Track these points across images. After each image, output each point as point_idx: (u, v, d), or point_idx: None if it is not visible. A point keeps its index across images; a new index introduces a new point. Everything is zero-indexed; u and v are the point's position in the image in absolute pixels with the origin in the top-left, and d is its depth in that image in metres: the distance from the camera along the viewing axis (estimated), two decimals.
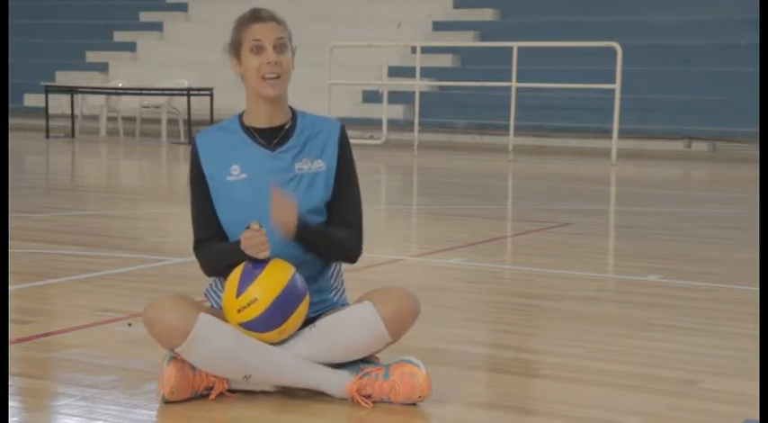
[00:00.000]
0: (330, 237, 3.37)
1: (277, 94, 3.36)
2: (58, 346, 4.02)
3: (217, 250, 3.38)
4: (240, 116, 3.45)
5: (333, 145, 3.42)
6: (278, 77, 3.33)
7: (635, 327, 4.48)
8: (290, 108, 3.46)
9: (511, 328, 4.49)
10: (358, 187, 3.48)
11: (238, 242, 3.27)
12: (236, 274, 3.26)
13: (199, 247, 3.44)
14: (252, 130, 3.40)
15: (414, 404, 3.29)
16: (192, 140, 3.48)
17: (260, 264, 3.25)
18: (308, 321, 3.37)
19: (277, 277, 3.24)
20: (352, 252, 3.45)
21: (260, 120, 3.40)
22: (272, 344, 3.29)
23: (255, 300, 3.22)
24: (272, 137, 3.40)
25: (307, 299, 3.28)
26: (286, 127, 3.41)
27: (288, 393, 3.33)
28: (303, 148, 3.40)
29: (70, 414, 3.20)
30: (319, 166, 3.40)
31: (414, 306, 3.36)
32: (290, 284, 3.24)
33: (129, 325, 4.22)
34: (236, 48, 3.38)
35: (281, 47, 3.34)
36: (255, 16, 3.36)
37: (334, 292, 3.49)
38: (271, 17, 3.37)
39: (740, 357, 3.98)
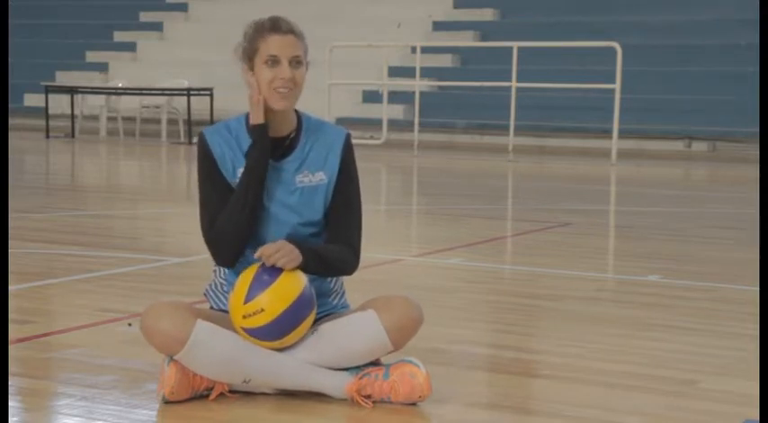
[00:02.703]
0: (327, 257, 3.33)
1: (287, 107, 3.32)
2: (58, 346, 4.02)
3: (227, 207, 3.29)
4: (247, 118, 3.39)
5: (335, 156, 3.39)
6: (290, 91, 3.29)
7: (635, 327, 4.48)
8: (297, 112, 3.42)
9: (511, 328, 4.49)
10: (359, 198, 3.44)
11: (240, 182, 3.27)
12: (247, 276, 3.23)
13: (212, 223, 3.32)
14: None
15: (414, 404, 3.29)
16: (199, 134, 3.43)
17: (273, 272, 3.21)
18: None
19: (288, 290, 3.20)
20: (348, 267, 3.42)
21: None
22: (272, 349, 3.29)
23: (263, 310, 3.18)
24: (276, 147, 3.36)
25: (313, 313, 3.26)
26: (290, 137, 3.38)
27: (288, 393, 3.33)
28: (305, 159, 3.37)
29: (70, 414, 3.20)
30: (320, 178, 3.37)
31: (417, 316, 3.34)
32: (299, 299, 3.21)
33: (129, 325, 4.22)
34: (249, 56, 3.32)
35: (296, 63, 3.30)
36: (275, 27, 3.30)
37: (333, 296, 3.48)
38: (290, 29, 3.31)
39: (740, 357, 3.98)
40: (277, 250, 3.21)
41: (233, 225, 3.28)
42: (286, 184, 3.36)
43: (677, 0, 17.60)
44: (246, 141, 3.36)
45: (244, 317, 3.21)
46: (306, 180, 3.37)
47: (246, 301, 3.20)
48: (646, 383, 3.59)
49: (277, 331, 3.21)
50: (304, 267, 3.26)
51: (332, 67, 15.16)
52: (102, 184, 11.57)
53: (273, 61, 3.28)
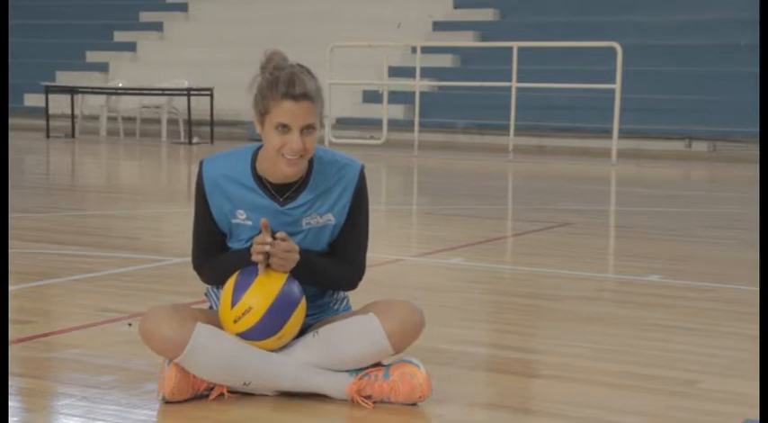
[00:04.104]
0: (320, 271, 3.31)
1: (295, 173, 3.22)
2: (57, 346, 4.02)
3: (224, 260, 3.33)
4: (254, 156, 3.30)
5: (347, 197, 3.31)
6: (299, 158, 3.19)
7: (635, 327, 4.48)
8: None
9: (511, 328, 4.49)
10: (366, 224, 3.39)
11: (246, 249, 3.25)
12: (229, 284, 3.25)
13: (201, 265, 3.40)
14: (263, 181, 3.28)
15: (414, 404, 3.29)
16: (200, 165, 3.35)
17: (253, 272, 3.23)
18: (310, 328, 3.37)
19: (270, 284, 3.21)
20: (346, 284, 3.42)
21: (274, 176, 3.27)
22: (272, 350, 3.29)
23: (250, 309, 3.19)
24: (284, 191, 3.28)
25: (303, 303, 3.26)
26: (299, 181, 3.28)
27: (288, 393, 3.33)
28: (314, 203, 3.29)
29: (70, 414, 3.20)
30: (328, 219, 3.31)
31: (418, 321, 3.32)
32: (284, 290, 3.22)
33: (130, 325, 4.22)
34: (260, 113, 3.20)
35: (308, 130, 3.18)
36: (289, 93, 3.14)
37: (334, 303, 3.47)
38: (304, 94, 3.14)
39: (740, 357, 3.98)
40: (287, 250, 3.20)
41: (221, 279, 3.32)
42: (292, 227, 3.29)
43: (677, 0, 17.60)
44: (250, 185, 3.27)
45: (235, 321, 3.22)
46: (313, 222, 3.31)
47: (233, 304, 3.21)
48: (646, 383, 3.59)
49: (271, 327, 3.21)
50: (299, 270, 3.26)
51: (332, 67, 15.16)
52: (102, 184, 11.57)
53: (284, 128, 3.16)
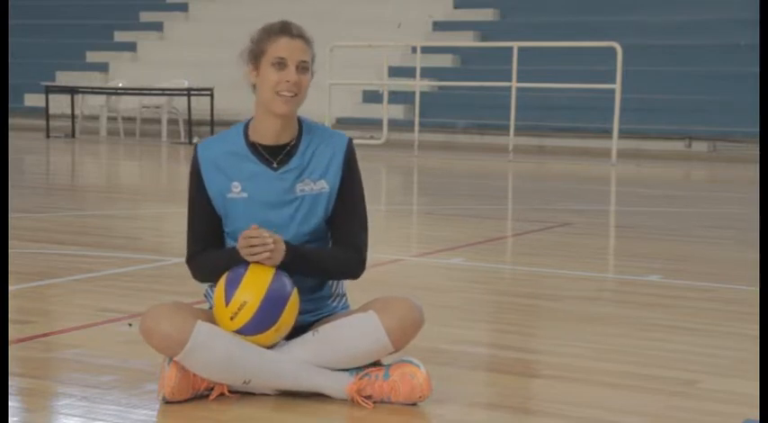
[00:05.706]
0: (316, 261, 3.33)
1: (289, 112, 3.30)
2: (57, 346, 4.02)
3: (214, 256, 3.36)
4: (246, 127, 3.38)
5: (337, 164, 3.36)
6: (293, 96, 3.27)
7: (635, 327, 4.48)
8: (298, 119, 3.40)
9: (511, 328, 4.49)
10: (363, 202, 3.42)
11: (234, 248, 3.27)
12: (221, 284, 3.26)
13: (193, 257, 3.41)
14: (256, 146, 3.35)
15: (414, 404, 3.29)
16: (194, 149, 3.43)
17: (242, 269, 3.25)
18: (310, 326, 3.38)
19: (261, 276, 3.23)
20: (352, 274, 3.42)
21: (266, 137, 3.34)
22: (272, 345, 3.29)
23: (245, 303, 3.21)
24: (276, 154, 3.34)
25: (295, 293, 3.27)
26: (291, 144, 3.36)
27: (288, 393, 3.33)
28: (306, 167, 3.34)
29: (70, 414, 3.20)
30: (322, 186, 3.35)
31: (418, 318, 3.33)
32: (275, 281, 3.23)
33: (130, 325, 4.22)
34: (256, 57, 3.30)
35: (303, 68, 3.28)
36: (285, 30, 3.29)
37: (333, 299, 3.48)
38: (300, 34, 3.30)
39: (740, 357, 3.98)
40: (273, 240, 3.21)
41: (210, 276, 3.35)
42: (286, 193, 3.33)
43: (677, 0, 17.60)
44: (244, 154, 3.33)
45: (231, 318, 3.23)
46: (307, 188, 3.34)
47: (227, 302, 3.23)
48: (646, 383, 3.59)
49: (268, 319, 3.22)
50: (284, 267, 3.27)
51: (332, 67, 15.16)
52: (102, 184, 11.57)
53: (280, 64, 3.26)
